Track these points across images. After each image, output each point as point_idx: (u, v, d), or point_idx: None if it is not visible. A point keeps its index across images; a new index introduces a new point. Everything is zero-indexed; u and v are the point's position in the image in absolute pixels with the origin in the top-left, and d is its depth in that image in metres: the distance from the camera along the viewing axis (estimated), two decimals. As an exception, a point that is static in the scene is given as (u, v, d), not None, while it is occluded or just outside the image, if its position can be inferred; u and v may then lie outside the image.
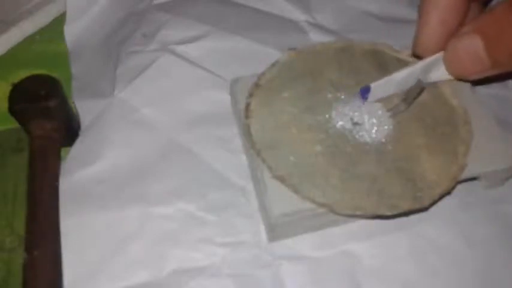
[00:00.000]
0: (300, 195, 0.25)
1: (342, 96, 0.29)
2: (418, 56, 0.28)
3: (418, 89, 0.28)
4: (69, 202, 0.28)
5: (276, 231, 0.26)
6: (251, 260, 0.26)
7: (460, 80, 0.27)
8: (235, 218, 0.28)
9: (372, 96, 0.28)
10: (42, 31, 0.37)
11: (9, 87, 0.29)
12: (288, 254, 0.27)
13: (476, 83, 0.30)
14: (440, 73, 0.27)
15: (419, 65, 0.27)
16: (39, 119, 0.29)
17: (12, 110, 0.29)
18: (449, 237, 0.27)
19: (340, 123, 0.28)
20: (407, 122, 0.28)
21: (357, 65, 0.30)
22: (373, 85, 0.27)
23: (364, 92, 0.27)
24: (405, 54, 0.31)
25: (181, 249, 0.27)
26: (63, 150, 0.30)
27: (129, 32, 0.36)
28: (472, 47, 0.24)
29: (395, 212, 0.25)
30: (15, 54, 0.36)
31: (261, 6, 0.38)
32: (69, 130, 0.31)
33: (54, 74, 0.31)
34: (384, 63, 0.31)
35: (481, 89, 0.33)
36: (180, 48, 0.34)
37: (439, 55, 0.26)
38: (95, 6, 0.36)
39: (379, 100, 0.28)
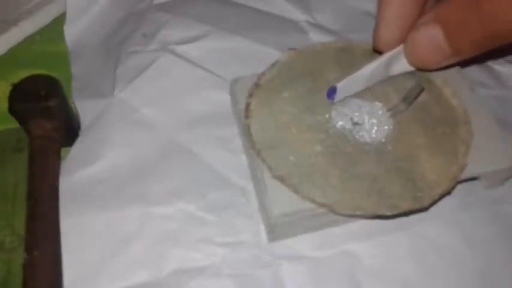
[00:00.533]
0: (300, 195, 0.25)
1: (342, 96, 0.29)
2: (378, 51, 0.28)
3: (418, 89, 0.28)
4: (69, 202, 0.28)
5: (276, 231, 0.26)
6: (251, 260, 0.26)
7: (421, 70, 0.27)
8: (235, 218, 0.28)
9: (339, 95, 0.28)
10: (42, 31, 0.37)
11: (9, 87, 0.29)
12: (288, 254, 0.27)
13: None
14: (402, 65, 0.27)
15: (383, 59, 0.27)
16: (39, 119, 0.29)
17: (12, 110, 0.29)
18: (449, 237, 0.27)
19: (340, 123, 0.28)
20: (407, 122, 0.28)
21: (357, 65, 0.30)
22: (339, 85, 0.27)
23: (331, 93, 0.27)
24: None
25: (181, 249, 0.27)
26: (63, 150, 0.30)
27: (129, 32, 0.36)
28: (432, 37, 0.24)
29: (395, 212, 0.25)
30: (15, 54, 0.36)
31: (261, 6, 0.38)
32: (69, 130, 0.31)
33: (54, 74, 0.31)
34: (384, 63, 0.31)
35: (481, 89, 0.33)
36: (180, 48, 0.34)
37: (401, 47, 0.26)
38: (95, 6, 0.36)
39: (380, 99, 0.28)
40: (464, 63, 0.29)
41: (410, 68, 0.27)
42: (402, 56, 0.26)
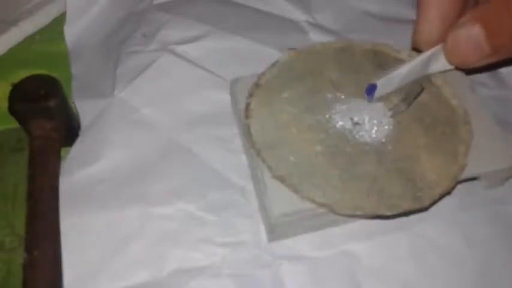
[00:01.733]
0: (300, 195, 0.25)
1: (342, 96, 0.29)
2: (417, 49, 0.28)
3: (418, 89, 0.28)
4: (69, 202, 0.28)
5: (276, 231, 0.26)
6: (251, 260, 0.26)
7: (459, 69, 0.27)
8: (235, 218, 0.28)
9: (377, 93, 0.27)
10: (42, 31, 0.37)
11: (9, 87, 0.29)
12: (288, 254, 0.27)
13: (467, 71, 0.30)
14: (440, 64, 0.27)
15: (421, 58, 0.27)
16: (39, 119, 0.29)
17: (12, 110, 0.29)
18: (449, 237, 0.27)
19: (340, 123, 0.28)
20: (407, 122, 0.28)
21: (357, 65, 0.31)
22: (379, 82, 0.27)
23: (371, 90, 0.27)
24: (405, 54, 0.31)
25: (181, 249, 0.27)
26: (63, 150, 0.30)
27: (129, 32, 0.36)
28: (472, 36, 0.24)
29: (395, 212, 0.25)
30: (15, 54, 0.36)
31: (261, 6, 0.38)
32: (69, 130, 0.31)
33: (54, 74, 0.31)
34: (384, 63, 0.31)
35: (481, 89, 0.33)
36: (180, 48, 0.34)
37: (439, 46, 0.26)
38: (95, 6, 0.36)
39: (380, 99, 0.28)
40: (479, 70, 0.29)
41: (448, 67, 0.27)
42: (440, 55, 0.26)
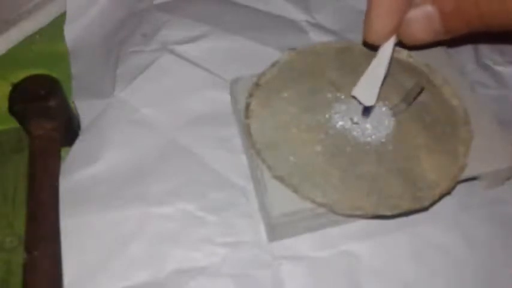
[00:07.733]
0: (300, 195, 0.25)
1: (342, 96, 0.29)
2: (368, 44, 0.27)
3: (418, 89, 0.28)
4: (69, 202, 0.28)
5: (276, 231, 0.26)
6: (251, 260, 0.26)
7: (405, 46, 0.27)
8: (235, 218, 0.28)
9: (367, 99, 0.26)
10: (42, 31, 0.37)
11: (9, 87, 0.29)
12: (288, 254, 0.27)
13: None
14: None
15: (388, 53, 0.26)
16: (39, 119, 0.29)
17: (12, 110, 0.29)
18: (450, 237, 0.27)
19: (340, 123, 0.28)
20: (407, 122, 0.28)
21: (357, 65, 0.30)
22: (358, 94, 0.26)
23: (368, 110, 0.27)
24: (405, 54, 0.31)
25: (181, 249, 0.27)
26: (63, 150, 0.30)
27: (129, 32, 0.36)
28: (426, 16, 0.24)
29: (395, 212, 0.25)
30: (15, 54, 0.36)
31: (261, 6, 0.38)
32: (69, 130, 0.31)
33: (54, 74, 0.31)
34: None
35: (481, 89, 0.33)
36: (180, 48, 0.34)
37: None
38: (95, 6, 0.36)
39: (380, 99, 0.28)
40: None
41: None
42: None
